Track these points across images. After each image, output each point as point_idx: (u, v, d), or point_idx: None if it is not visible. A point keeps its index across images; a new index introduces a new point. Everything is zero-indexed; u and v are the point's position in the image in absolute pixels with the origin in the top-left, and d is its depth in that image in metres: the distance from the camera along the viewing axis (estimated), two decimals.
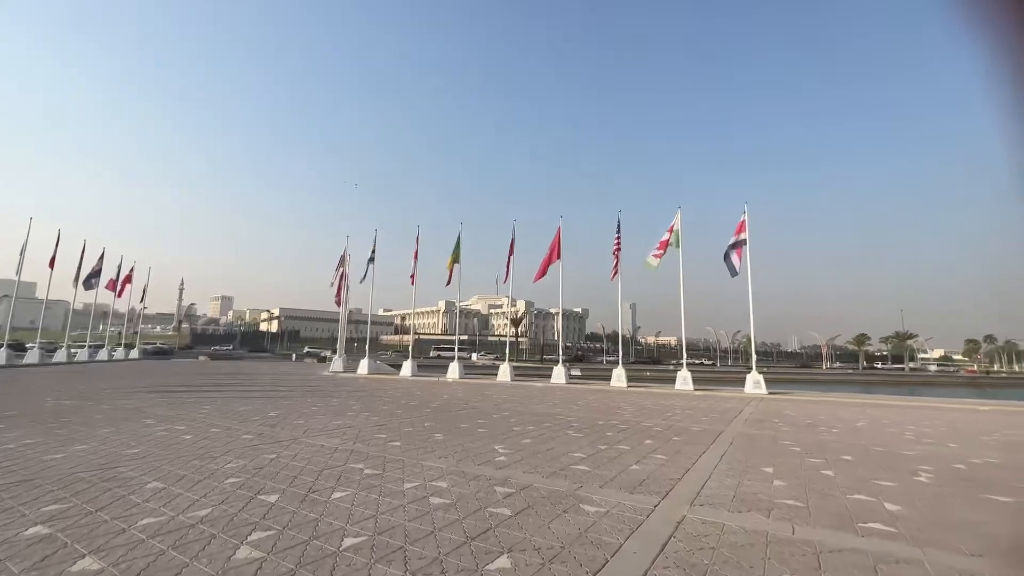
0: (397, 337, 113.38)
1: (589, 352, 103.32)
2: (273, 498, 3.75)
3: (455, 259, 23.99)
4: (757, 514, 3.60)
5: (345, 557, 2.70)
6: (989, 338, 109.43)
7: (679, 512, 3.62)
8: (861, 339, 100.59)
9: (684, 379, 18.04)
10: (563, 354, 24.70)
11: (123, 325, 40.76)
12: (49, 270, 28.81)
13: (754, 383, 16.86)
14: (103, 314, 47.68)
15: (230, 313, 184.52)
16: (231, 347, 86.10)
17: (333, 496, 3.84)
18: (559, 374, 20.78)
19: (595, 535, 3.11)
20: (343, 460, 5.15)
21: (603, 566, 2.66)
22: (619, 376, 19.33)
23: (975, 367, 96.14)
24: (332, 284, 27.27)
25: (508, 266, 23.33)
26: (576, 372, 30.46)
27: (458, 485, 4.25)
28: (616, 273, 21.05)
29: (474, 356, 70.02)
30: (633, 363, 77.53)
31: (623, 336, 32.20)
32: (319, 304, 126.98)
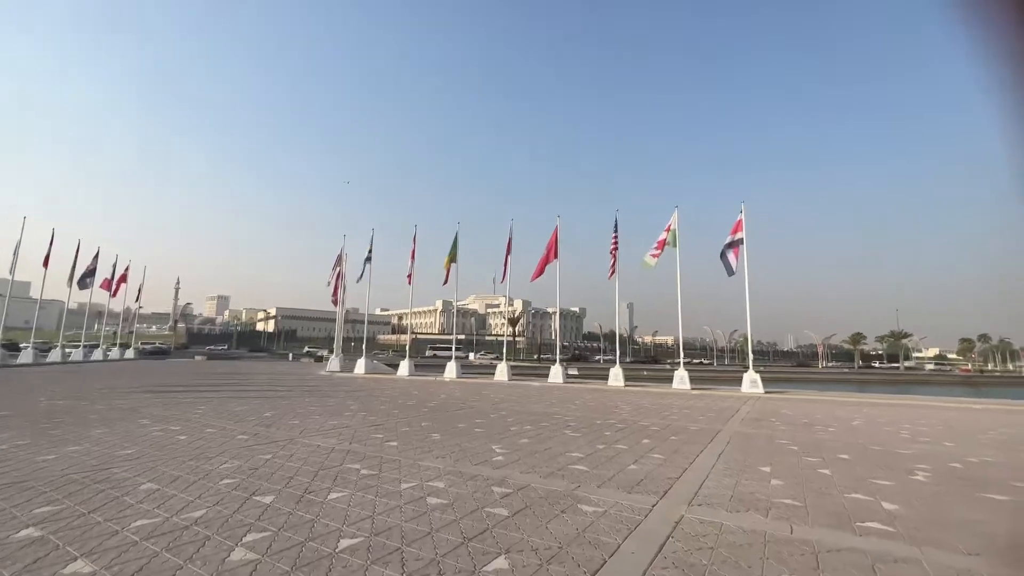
0: (394, 337, 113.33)
1: (587, 351, 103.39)
2: (268, 499, 3.72)
3: (452, 258, 23.96)
4: (755, 514, 3.60)
5: (341, 559, 2.68)
6: (983, 337, 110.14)
7: (677, 512, 3.61)
8: (857, 338, 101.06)
9: (681, 378, 18.07)
10: (560, 353, 24.70)
11: (118, 325, 40.55)
12: (43, 269, 28.65)
13: (751, 382, 16.90)
14: (98, 314, 47.46)
15: (226, 312, 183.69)
16: (226, 347, 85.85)
17: (329, 497, 3.81)
18: (556, 373, 20.78)
19: (593, 535, 3.10)
20: (339, 460, 5.12)
21: (601, 567, 2.65)
22: (616, 375, 19.34)
23: (969, 366, 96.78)
24: (329, 284, 27.18)
25: (505, 265, 23.34)
26: (573, 371, 30.46)
27: (455, 485, 4.23)
28: (613, 272, 21.05)
29: (471, 356, 70.00)
30: (632, 363, 77.71)
31: (620, 335, 32.23)
32: (316, 304, 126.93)
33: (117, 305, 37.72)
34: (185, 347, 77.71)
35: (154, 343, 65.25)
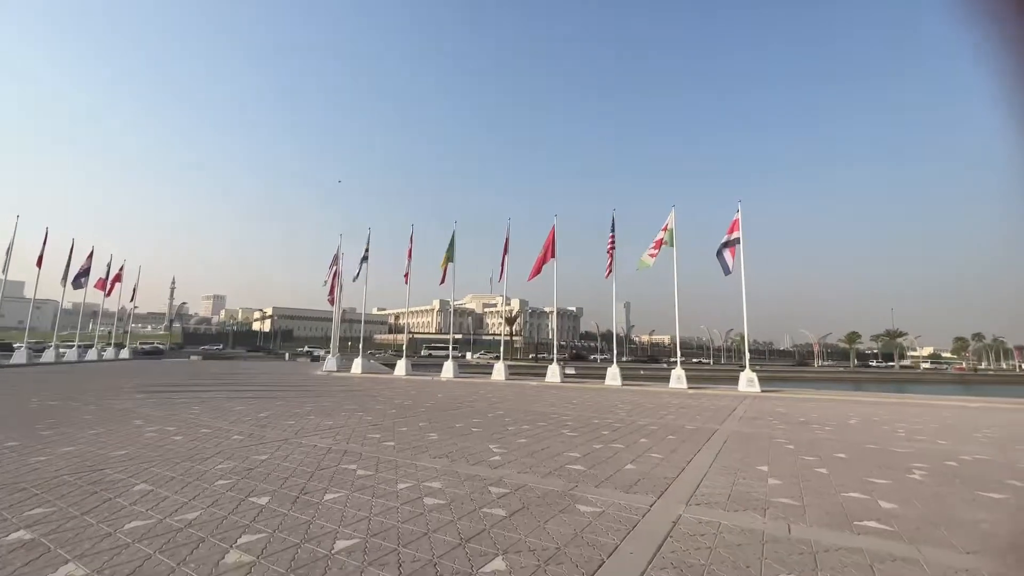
0: (391, 336, 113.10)
1: (584, 351, 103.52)
2: (264, 500, 3.69)
3: (449, 258, 23.92)
4: (753, 513, 3.59)
5: (337, 560, 2.65)
6: (977, 336, 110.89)
7: (675, 511, 3.60)
8: (852, 337, 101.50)
9: (678, 377, 18.10)
10: (558, 353, 24.71)
11: (113, 324, 40.28)
12: (37, 269, 28.44)
13: (747, 381, 16.94)
14: (93, 314, 47.12)
15: (222, 312, 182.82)
16: (221, 346, 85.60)
17: (325, 498, 3.78)
18: (554, 373, 20.78)
19: (591, 535, 3.08)
20: (336, 461, 5.08)
21: (599, 567, 2.63)
22: (613, 375, 19.35)
23: (964, 364, 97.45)
24: (325, 283, 27.13)
25: (503, 265, 23.32)
26: (570, 371, 30.51)
27: (452, 485, 4.21)
28: (610, 272, 21.05)
29: (469, 355, 69.95)
30: (629, 362, 77.87)
31: (617, 335, 32.27)
32: (313, 303, 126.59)
33: (112, 305, 37.46)
34: (180, 347, 77.35)
35: (152, 343, 64.96)
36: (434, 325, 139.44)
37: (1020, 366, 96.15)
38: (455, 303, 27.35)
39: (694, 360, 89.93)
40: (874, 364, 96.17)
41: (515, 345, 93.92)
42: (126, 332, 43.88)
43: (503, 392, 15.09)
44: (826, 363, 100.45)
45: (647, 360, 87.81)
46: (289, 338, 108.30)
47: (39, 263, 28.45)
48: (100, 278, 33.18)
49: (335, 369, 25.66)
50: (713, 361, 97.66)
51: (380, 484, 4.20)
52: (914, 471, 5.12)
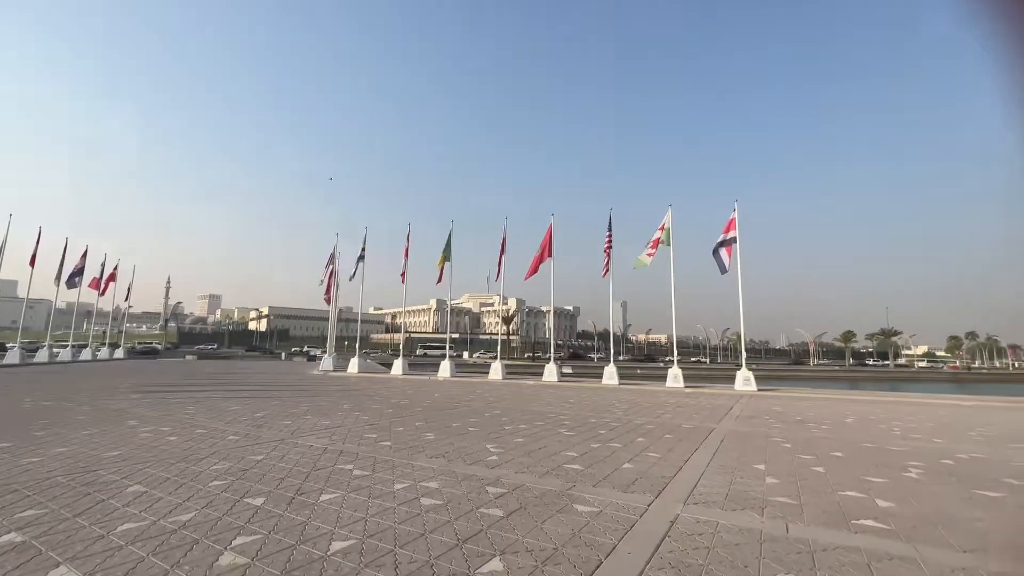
0: (388, 336, 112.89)
1: (581, 350, 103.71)
2: (259, 501, 3.66)
3: (446, 257, 23.88)
4: (751, 512, 3.59)
5: (333, 562, 2.63)
6: (971, 335, 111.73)
7: (673, 511, 3.59)
8: (848, 336, 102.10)
9: (675, 376, 18.12)
10: (555, 352, 24.72)
11: (107, 324, 40.00)
12: (30, 268, 28.21)
13: (744, 380, 16.98)
14: (87, 313, 46.81)
15: (218, 312, 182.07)
16: (216, 346, 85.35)
17: (321, 498, 3.76)
18: (551, 372, 20.77)
19: (589, 535, 3.07)
20: (332, 461, 5.06)
21: (597, 567, 2.62)
22: (611, 374, 19.37)
23: (958, 363, 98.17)
24: (321, 282, 27.03)
25: (500, 264, 23.28)
26: (567, 370, 30.55)
27: (449, 485, 4.19)
28: (607, 271, 21.07)
29: (466, 355, 69.91)
30: (627, 361, 78.07)
31: (614, 334, 32.32)
32: (309, 303, 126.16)
33: (106, 304, 37.15)
34: (175, 347, 77.00)
35: (151, 343, 64.52)
36: (431, 324, 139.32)
37: (1013, 365, 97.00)
38: (452, 302, 27.30)
39: (692, 359, 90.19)
40: (871, 363, 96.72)
41: (512, 344, 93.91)
42: (121, 332, 43.55)
43: (500, 391, 15.08)
44: (822, 362, 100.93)
45: (644, 359, 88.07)
46: (285, 338, 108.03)
47: (32, 262, 28.24)
48: (94, 277, 32.96)
49: (331, 369, 25.58)
50: (710, 360, 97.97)
51: (377, 484, 4.18)
52: (910, 470, 5.14)
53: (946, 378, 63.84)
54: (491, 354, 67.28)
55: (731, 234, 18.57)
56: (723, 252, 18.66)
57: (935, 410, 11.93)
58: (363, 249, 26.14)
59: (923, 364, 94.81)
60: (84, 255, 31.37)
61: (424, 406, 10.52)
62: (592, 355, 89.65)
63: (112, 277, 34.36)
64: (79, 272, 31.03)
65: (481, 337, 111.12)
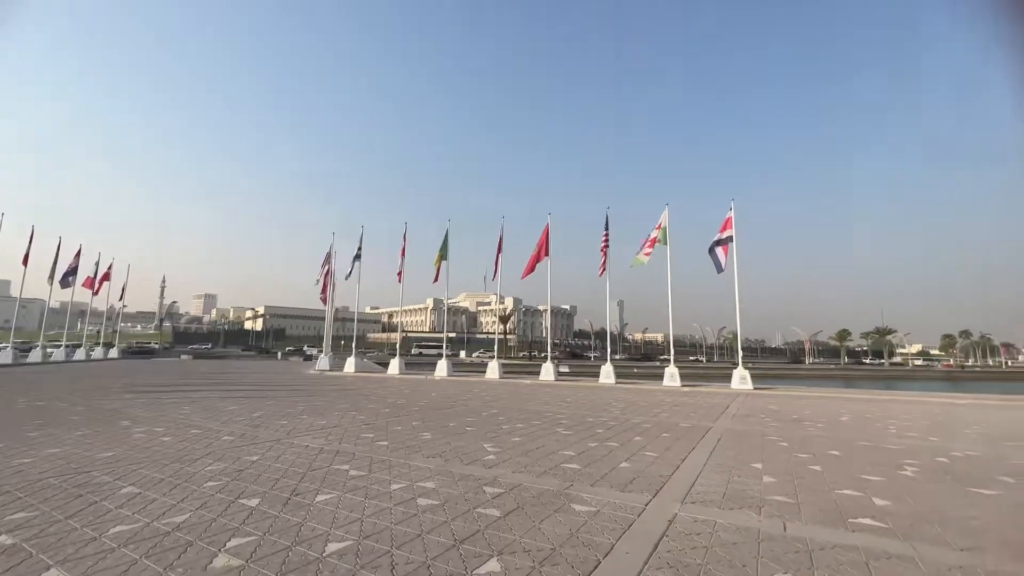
0: (385, 335, 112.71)
1: (578, 349, 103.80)
2: (254, 502, 3.62)
3: (443, 256, 23.83)
4: (748, 511, 3.59)
5: (329, 563, 2.60)
6: (965, 333, 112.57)
7: (670, 510, 3.58)
8: (843, 335, 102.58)
9: (671, 375, 18.16)
10: (552, 351, 24.72)
11: (102, 324, 39.74)
12: (23, 267, 27.97)
13: (740, 379, 17.03)
14: (81, 313, 46.47)
15: (214, 311, 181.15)
16: (210, 345, 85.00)
17: (317, 499, 3.73)
18: (548, 371, 20.78)
19: (586, 535, 3.05)
20: (328, 461, 5.02)
21: (595, 568, 2.60)
22: (607, 373, 19.39)
23: (952, 361, 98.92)
24: (318, 282, 26.93)
25: (497, 263, 23.25)
26: (564, 369, 30.58)
27: (446, 486, 4.16)
28: (604, 270, 21.09)
29: (463, 354, 69.82)
30: (623, 360, 78.17)
31: (611, 333, 32.36)
32: (305, 302, 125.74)
33: (100, 304, 36.89)
34: (171, 346, 76.59)
35: (148, 343, 64.10)
36: (428, 324, 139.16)
37: (1006, 363, 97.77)
38: (449, 302, 27.26)
39: (689, 358, 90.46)
40: (866, 361, 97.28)
41: (509, 343, 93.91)
42: (115, 331, 43.28)
43: (497, 391, 15.06)
44: (817, 360, 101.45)
45: (641, 358, 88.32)
46: (281, 337, 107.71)
47: (25, 261, 28.01)
48: (88, 277, 32.72)
49: (328, 368, 25.49)
50: (706, 359, 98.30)
51: (373, 485, 4.15)
52: (906, 468, 5.15)
53: (940, 376, 64.26)
54: (489, 353, 67.17)
55: (727, 233, 18.61)
56: (719, 251, 18.70)
57: (930, 408, 11.99)
58: (359, 248, 26.08)
59: (918, 362, 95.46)
60: (78, 254, 31.13)
61: (421, 405, 10.49)
62: (589, 354, 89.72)
63: (106, 276, 34.13)
64: (73, 271, 30.79)
65: (478, 336, 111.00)
